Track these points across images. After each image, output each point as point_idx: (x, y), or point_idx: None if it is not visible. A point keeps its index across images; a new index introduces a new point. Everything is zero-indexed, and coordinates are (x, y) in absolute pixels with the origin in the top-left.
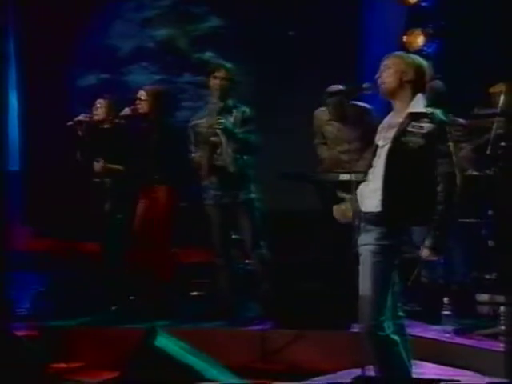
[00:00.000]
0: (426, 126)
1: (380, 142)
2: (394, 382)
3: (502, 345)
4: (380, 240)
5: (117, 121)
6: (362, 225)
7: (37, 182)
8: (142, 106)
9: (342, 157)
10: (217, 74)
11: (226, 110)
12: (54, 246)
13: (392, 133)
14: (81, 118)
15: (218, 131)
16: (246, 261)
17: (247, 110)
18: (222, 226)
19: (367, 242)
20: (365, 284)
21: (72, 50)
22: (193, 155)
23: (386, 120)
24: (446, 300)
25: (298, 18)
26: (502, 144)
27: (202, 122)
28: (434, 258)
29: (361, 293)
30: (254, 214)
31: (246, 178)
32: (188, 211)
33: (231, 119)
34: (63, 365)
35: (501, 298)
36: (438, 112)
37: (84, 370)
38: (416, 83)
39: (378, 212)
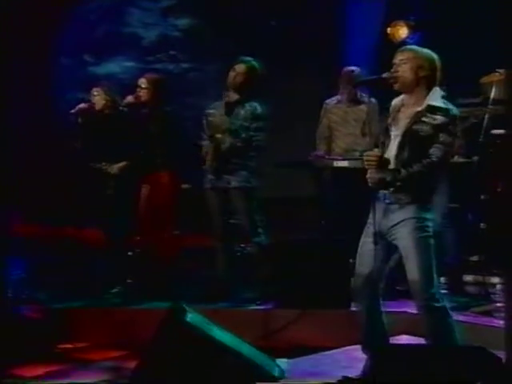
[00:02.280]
0: (439, 118)
1: (394, 128)
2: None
3: (495, 320)
4: (419, 213)
5: (121, 108)
6: (393, 205)
7: (23, 168)
8: (143, 94)
9: (345, 140)
10: (236, 67)
11: (238, 104)
12: (43, 231)
13: (407, 121)
14: (81, 106)
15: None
16: (243, 245)
17: (259, 106)
18: (219, 210)
19: (404, 218)
20: (413, 260)
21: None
22: (202, 142)
23: (397, 104)
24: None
25: (283, 10)
26: (494, 132)
27: (214, 111)
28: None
29: (410, 269)
30: (249, 202)
31: (244, 166)
32: (189, 196)
33: (242, 112)
34: (69, 345)
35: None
36: (454, 108)
37: (89, 350)
38: (430, 77)
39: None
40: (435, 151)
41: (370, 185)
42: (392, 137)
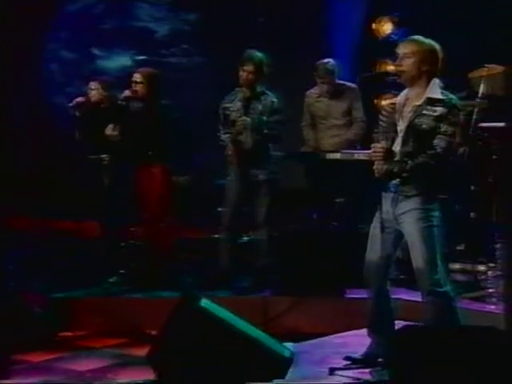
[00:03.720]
0: (439, 109)
1: (400, 123)
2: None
3: (487, 306)
4: (425, 204)
5: (119, 102)
6: (400, 196)
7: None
8: (139, 88)
9: (329, 132)
10: (245, 67)
11: (254, 98)
12: (39, 224)
13: (410, 115)
14: (78, 99)
15: (244, 126)
16: (250, 234)
17: (276, 100)
18: (236, 201)
19: (410, 208)
20: (418, 248)
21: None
22: (221, 136)
23: (402, 100)
24: None
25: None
26: (482, 125)
27: (230, 105)
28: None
29: (415, 257)
30: (271, 194)
31: (269, 159)
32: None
33: (259, 107)
34: (69, 333)
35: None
36: (453, 98)
37: (89, 338)
38: (433, 70)
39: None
40: (439, 142)
41: (376, 176)
42: (399, 131)
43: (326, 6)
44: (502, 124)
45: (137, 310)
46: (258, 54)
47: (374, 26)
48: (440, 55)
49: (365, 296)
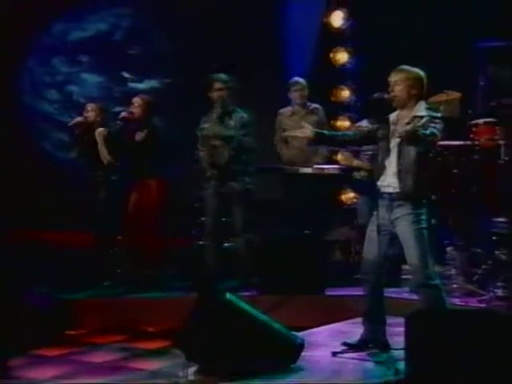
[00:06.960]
0: (423, 120)
1: (392, 141)
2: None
3: (452, 299)
4: (416, 209)
5: (117, 122)
6: (395, 202)
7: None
8: (136, 111)
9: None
10: (216, 85)
11: (226, 115)
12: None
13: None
14: (77, 119)
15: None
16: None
17: (245, 115)
18: (216, 211)
19: (404, 213)
20: (411, 248)
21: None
22: (199, 153)
23: (394, 119)
24: (404, 267)
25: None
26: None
27: (206, 126)
28: None
29: (410, 255)
30: (246, 203)
31: (243, 172)
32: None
33: (232, 123)
34: (73, 331)
35: None
36: (435, 113)
37: (93, 335)
38: (420, 93)
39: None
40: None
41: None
42: (391, 147)
43: (284, 33)
44: (458, 142)
45: (132, 310)
46: (223, 75)
47: (331, 55)
48: (425, 81)
49: (342, 293)
